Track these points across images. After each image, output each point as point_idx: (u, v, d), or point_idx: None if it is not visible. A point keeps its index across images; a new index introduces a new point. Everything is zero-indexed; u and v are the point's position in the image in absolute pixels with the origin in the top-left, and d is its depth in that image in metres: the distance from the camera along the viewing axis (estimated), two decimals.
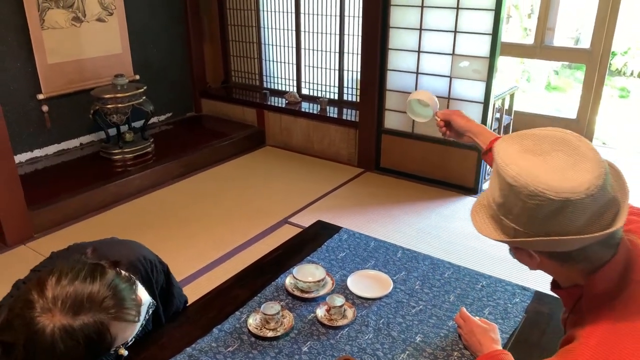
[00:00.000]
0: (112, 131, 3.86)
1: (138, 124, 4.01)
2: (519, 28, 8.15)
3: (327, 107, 4.21)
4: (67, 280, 0.93)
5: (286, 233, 2.92)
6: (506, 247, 3.14)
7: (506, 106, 3.90)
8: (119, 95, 3.55)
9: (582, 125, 4.65)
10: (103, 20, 3.86)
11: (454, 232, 3.04)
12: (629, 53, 8.01)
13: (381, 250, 1.77)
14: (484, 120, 3.35)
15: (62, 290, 0.91)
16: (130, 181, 3.52)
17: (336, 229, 1.93)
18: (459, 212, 3.29)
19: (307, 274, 1.52)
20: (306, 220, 3.08)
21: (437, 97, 3.50)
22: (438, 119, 1.46)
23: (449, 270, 1.64)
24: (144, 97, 3.74)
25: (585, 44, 4.69)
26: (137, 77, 4.16)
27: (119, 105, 3.56)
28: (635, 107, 7.26)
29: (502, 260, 2.76)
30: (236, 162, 4.14)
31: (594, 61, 4.43)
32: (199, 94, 4.80)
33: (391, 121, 3.75)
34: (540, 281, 2.53)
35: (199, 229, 3.10)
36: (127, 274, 1.06)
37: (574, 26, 7.83)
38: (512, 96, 3.99)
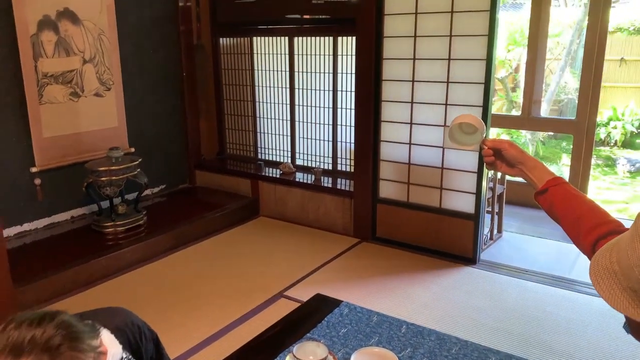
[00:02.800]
0: (105, 203, 3.82)
1: (132, 196, 3.98)
2: (504, 101, 8.45)
3: (322, 177, 4.22)
4: (13, 325, 0.86)
5: (282, 308, 2.82)
6: (515, 322, 2.98)
7: (498, 175, 3.93)
8: (113, 167, 3.55)
9: None
10: (101, 95, 3.93)
11: (456, 305, 2.95)
12: (610, 124, 8.29)
13: (384, 325, 1.69)
14: (478, 190, 3.36)
15: (5, 335, 0.84)
16: (122, 255, 3.44)
17: (336, 302, 1.86)
18: (460, 283, 3.22)
19: (308, 352, 1.44)
20: (303, 293, 2.99)
21: (430, 166, 3.57)
22: (485, 147, 1.29)
23: (456, 345, 1.57)
24: (139, 170, 3.74)
25: (570, 114, 4.85)
26: (132, 149, 4.19)
27: (113, 177, 3.54)
28: (620, 175, 7.41)
29: (508, 333, 2.67)
30: (230, 233, 4.08)
31: (581, 131, 4.54)
32: (193, 166, 4.82)
33: (386, 190, 3.75)
34: (546, 357, 2.43)
35: (190, 304, 2.99)
36: (89, 321, 0.96)
37: (557, 98, 8.15)
38: None
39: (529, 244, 3.93)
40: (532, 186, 1.26)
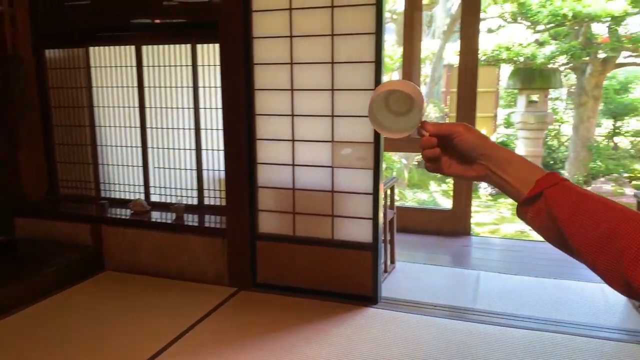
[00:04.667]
0: None
1: None
2: None
3: (185, 215, 3.43)
4: None
5: None
6: None
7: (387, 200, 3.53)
8: None
9: (459, 216, 4.48)
10: None
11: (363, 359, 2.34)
12: None
13: None
14: (375, 215, 2.86)
15: None
16: None
17: None
18: (364, 330, 2.63)
19: None
20: None
21: (318, 190, 3.00)
22: (426, 133, 0.80)
23: None
24: None
25: None
26: None
27: None
28: (483, 199, 7.71)
29: None
30: (62, 296, 3.07)
31: None
32: (12, 212, 3.69)
33: (267, 224, 3.09)
34: None
35: None
36: None
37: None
38: (392, 189, 3.64)
39: (425, 273, 3.57)
40: (507, 193, 0.78)
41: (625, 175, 7.80)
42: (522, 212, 0.74)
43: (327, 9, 2.74)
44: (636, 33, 7.31)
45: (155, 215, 3.49)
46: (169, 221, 3.38)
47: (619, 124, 8.91)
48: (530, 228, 0.77)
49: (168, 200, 3.63)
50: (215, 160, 3.46)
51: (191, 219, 3.41)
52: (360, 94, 2.76)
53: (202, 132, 3.45)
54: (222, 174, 3.31)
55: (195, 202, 3.57)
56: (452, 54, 8.10)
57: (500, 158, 0.77)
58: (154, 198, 3.67)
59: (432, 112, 8.42)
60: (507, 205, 7.74)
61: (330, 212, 2.94)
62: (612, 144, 8.85)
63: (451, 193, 4.50)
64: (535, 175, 0.73)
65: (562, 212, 0.69)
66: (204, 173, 3.52)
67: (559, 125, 9.27)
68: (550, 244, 0.74)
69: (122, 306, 2.93)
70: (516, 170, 0.75)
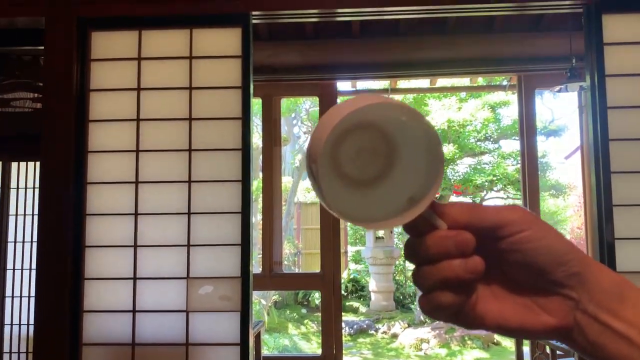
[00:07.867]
0: None
1: None
2: None
3: None
4: None
5: None
6: None
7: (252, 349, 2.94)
8: None
9: None
10: None
11: None
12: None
13: None
14: None
15: None
16: None
17: None
18: None
19: None
20: None
21: (167, 344, 2.32)
22: (442, 224, 0.34)
23: None
24: None
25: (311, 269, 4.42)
26: None
27: None
28: (361, 341, 7.40)
29: None
30: None
31: (328, 285, 4.04)
32: None
33: None
34: None
35: None
36: None
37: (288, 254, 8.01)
38: (258, 336, 3.09)
39: None
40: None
41: None
42: None
43: (184, 122, 2.36)
44: (462, 176, 8.24)
45: None
46: None
47: None
48: None
49: None
50: (24, 311, 2.60)
51: None
52: (224, 218, 2.30)
53: (8, 274, 2.62)
54: (32, 329, 2.46)
55: None
56: (303, 191, 8.22)
57: (607, 285, 0.37)
58: None
59: (286, 248, 8.16)
60: (367, 345, 7.45)
61: None
62: None
63: (311, 336, 4.08)
64: None
65: None
66: (6, 329, 2.61)
67: (404, 261, 9.68)
68: None
69: None
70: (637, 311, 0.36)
